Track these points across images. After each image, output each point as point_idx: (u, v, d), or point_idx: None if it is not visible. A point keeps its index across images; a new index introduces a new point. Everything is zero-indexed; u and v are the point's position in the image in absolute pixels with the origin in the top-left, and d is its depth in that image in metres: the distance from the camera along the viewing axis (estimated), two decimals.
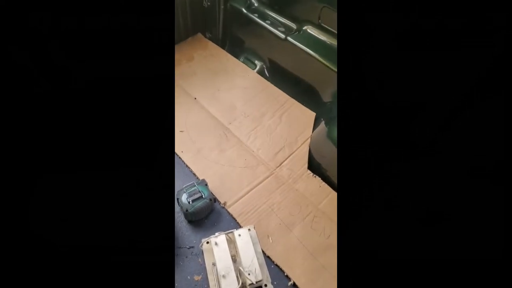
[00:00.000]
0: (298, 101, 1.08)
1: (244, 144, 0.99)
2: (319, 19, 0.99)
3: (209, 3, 1.20)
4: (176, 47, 1.25)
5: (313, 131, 1.01)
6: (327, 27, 0.99)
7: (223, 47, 1.27)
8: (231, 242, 0.77)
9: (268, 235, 0.81)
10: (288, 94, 1.10)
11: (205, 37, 1.30)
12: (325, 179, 0.92)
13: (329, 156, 0.90)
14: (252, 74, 1.18)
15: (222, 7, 1.17)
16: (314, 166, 0.95)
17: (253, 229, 0.80)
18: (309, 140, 0.99)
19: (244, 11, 1.14)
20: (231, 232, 0.78)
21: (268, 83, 1.14)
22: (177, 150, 0.96)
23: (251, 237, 0.78)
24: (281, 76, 1.15)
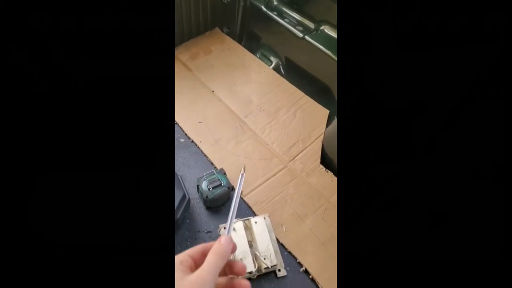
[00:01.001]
0: (313, 99, 1.12)
1: (260, 137, 1.03)
2: (337, 19, 1.03)
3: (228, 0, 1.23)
4: (194, 41, 1.29)
5: (326, 128, 1.05)
6: None
7: (239, 42, 1.30)
8: (248, 229, 0.81)
9: (281, 224, 0.85)
10: (303, 91, 1.14)
11: (222, 31, 1.33)
12: (337, 173, 0.96)
13: None
14: (268, 70, 1.22)
15: (242, 3, 1.21)
16: (326, 161, 0.99)
17: (268, 217, 0.85)
18: (322, 137, 1.03)
19: (264, 8, 1.17)
20: (248, 219, 0.82)
21: (284, 79, 1.18)
22: (196, 140, 1.00)
23: (266, 225, 0.82)
24: (297, 74, 1.18)
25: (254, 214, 0.86)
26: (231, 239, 0.35)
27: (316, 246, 0.82)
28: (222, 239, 0.35)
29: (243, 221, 0.81)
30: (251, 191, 0.91)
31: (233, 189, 0.89)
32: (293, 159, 0.99)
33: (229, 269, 0.36)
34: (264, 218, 0.84)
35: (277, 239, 0.81)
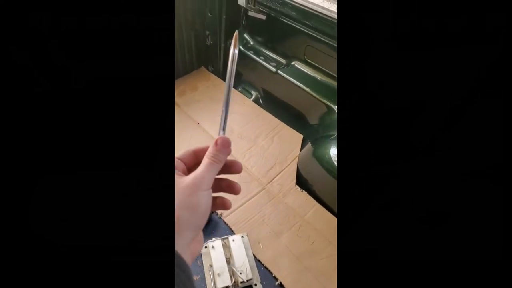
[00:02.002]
0: (288, 125, 1.22)
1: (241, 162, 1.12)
2: (304, 55, 1.16)
3: (211, 42, 1.38)
4: (182, 79, 1.43)
5: (301, 151, 1.14)
6: (311, 61, 1.15)
7: (223, 79, 1.44)
8: (226, 247, 0.88)
9: (259, 242, 0.92)
10: (279, 119, 1.25)
11: (208, 70, 1.48)
12: (311, 193, 1.03)
13: (315, 172, 1.03)
14: (248, 102, 1.34)
15: (223, 45, 1.36)
16: (301, 181, 1.07)
17: (246, 236, 0.91)
18: (297, 159, 1.12)
19: (241, 48, 1.32)
20: (226, 238, 0.89)
21: (262, 109, 1.30)
22: None
23: (243, 243, 0.88)
24: (274, 104, 1.30)
25: (234, 233, 0.93)
26: (227, 141, 0.32)
27: (291, 260, 0.88)
28: (219, 141, 0.32)
29: (222, 239, 0.88)
30: (231, 212, 0.99)
31: (213, 211, 0.97)
32: (271, 181, 1.07)
33: (227, 169, 0.33)
34: (242, 236, 0.90)
35: (254, 256, 0.88)
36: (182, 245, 0.28)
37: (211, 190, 0.31)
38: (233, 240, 0.88)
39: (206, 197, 0.30)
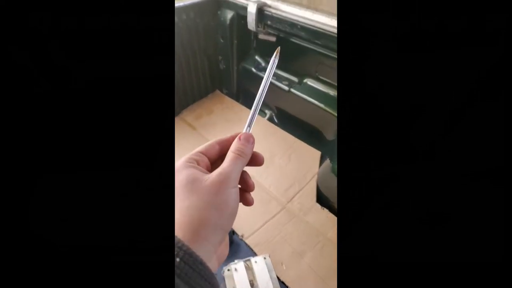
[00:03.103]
0: (305, 142, 1.22)
1: (258, 182, 1.12)
2: (316, 72, 1.18)
3: (224, 66, 1.43)
4: (198, 103, 1.47)
5: (319, 168, 1.13)
6: (323, 78, 1.16)
7: (237, 100, 1.47)
8: (249, 269, 0.87)
9: (282, 262, 0.90)
10: (295, 136, 1.25)
11: (222, 92, 1.52)
12: (332, 210, 1.01)
13: (335, 189, 1.01)
14: (263, 121, 1.35)
15: (236, 68, 1.40)
16: (322, 199, 1.06)
17: (268, 257, 0.90)
18: (316, 176, 1.11)
19: (253, 70, 1.35)
20: (249, 259, 0.88)
21: (277, 128, 1.31)
22: None
23: (266, 264, 0.87)
24: (288, 121, 1.31)
25: (256, 255, 0.92)
26: (251, 137, 0.32)
27: (315, 281, 0.85)
28: (242, 137, 0.31)
29: (244, 261, 0.87)
30: (252, 233, 0.98)
31: (234, 233, 0.97)
32: (290, 200, 1.06)
33: (250, 161, 0.32)
34: (264, 258, 0.89)
35: (278, 277, 0.86)
36: (209, 251, 0.26)
37: (238, 187, 0.29)
38: (256, 262, 0.87)
39: (234, 195, 0.28)
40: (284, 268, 0.89)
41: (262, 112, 1.41)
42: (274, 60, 0.34)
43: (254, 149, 0.33)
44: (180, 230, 0.26)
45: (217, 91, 1.52)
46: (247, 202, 0.31)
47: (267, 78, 0.34)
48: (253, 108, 0.34)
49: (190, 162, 0.30)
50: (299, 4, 1.05)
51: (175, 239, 0.25)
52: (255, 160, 0.33)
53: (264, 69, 1.34)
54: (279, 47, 0.36)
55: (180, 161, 0.30)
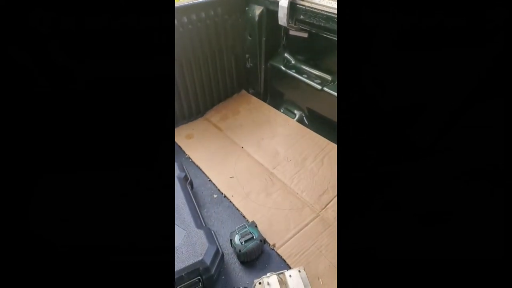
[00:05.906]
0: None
1: (289, 187, 1.05)
2: None
3: (251, 64, 1.37)
4: (224, 103, 1.42)
5: None
6: None
7: (264, 100, 1.41)
8: (283, 283, 0.79)
9: (318, 277, 0.82)
10: (328, 139, 1.17)
11: (248, 92, 1.46)
12: None
13: None
14: (292, 122, 1.28)
15: (263, 66, 1.34)
16: None
17: (303, 270, 0.82)
18: None
19: (283, 68, 1.28)
20: (282, 273, 0.81)
21: (308, 129, 1.23)
22: (228, 194, 1.05)
23: (301, 278, 0.79)
24: (320, 123, 1.23)
25: (289, 267, 0.85)
26: None
27: None
28: None
29: (277, 275, 0.80)
30: (284, 243, 0.91)
31: (265, 242, 0.90)
32: (324, 207, 0.98)
33: None
34: (299, 271, 0.81)
35: None
36: None
37: None
38: (290, 276, 0.79)
39: None
40: (321, 283, 0.81)
41: (291, 113, 1.34)
42: None
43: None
44: None
45: (243, 91, 1.47)
46: None
47: None
48: None
49: None
50: None
51: None
52: None
53: (294, 67, 1.27)
54: None
55: None
